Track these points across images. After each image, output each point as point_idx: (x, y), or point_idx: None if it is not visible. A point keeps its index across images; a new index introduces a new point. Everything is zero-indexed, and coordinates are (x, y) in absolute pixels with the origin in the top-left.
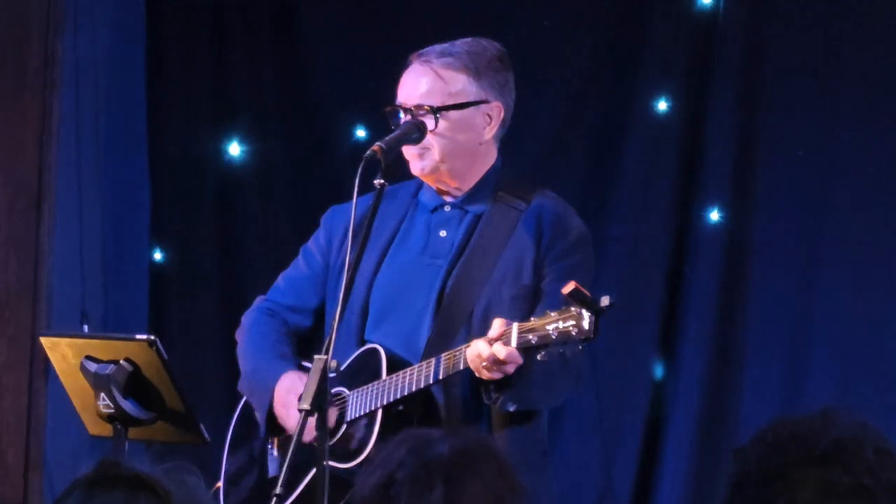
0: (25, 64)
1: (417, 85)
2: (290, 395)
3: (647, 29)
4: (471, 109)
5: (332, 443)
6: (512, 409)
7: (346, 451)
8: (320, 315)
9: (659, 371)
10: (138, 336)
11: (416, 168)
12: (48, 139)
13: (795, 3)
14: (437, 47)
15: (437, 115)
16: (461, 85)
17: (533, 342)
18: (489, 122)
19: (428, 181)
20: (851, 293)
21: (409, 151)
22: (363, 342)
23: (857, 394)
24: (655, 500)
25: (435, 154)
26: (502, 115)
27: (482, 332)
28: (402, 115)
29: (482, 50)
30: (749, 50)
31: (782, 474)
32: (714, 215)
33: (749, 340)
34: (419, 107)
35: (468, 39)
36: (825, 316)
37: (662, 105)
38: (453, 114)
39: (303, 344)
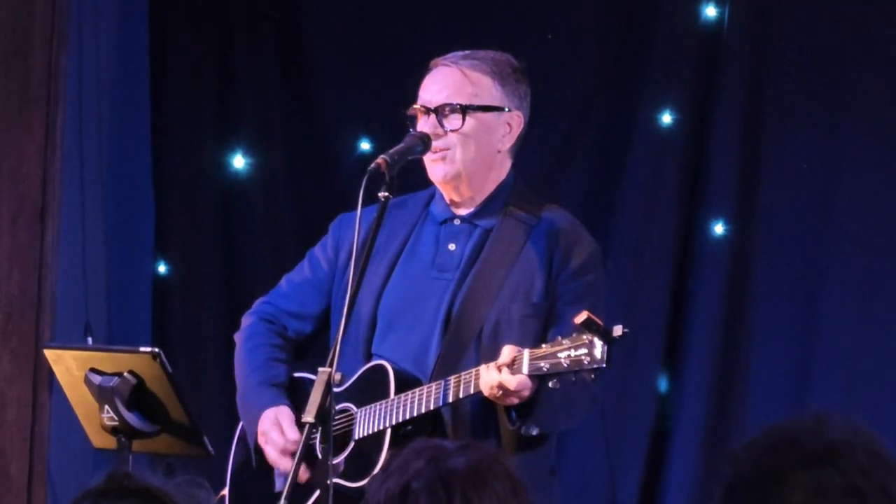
0: (29, 77)
1: (444, 84)
2: (262, 438)
3: (651, 42)
4: (494, 114)
5: (340, 460)
6: (535, 432)
7: (355, 469)
8: (322, 321)
9: (663, 384)
10: (142, 348)
11: (437, 174)
12: (52, 152)
13: (800, 17)
14: (460, 52)
15: (466, 114)
16: (487, 88)
17: (545, 369)
18: (509, 130)
19: (445, 189)
20: (856, 306)
21: (429, 156)
22: (370, 355)
23: (862, 405)
24: None
25: (457, 156)
26: (522, 126)
27: (491, 349)
28: (419, 119)
29: (505, 59)
30: (753, 63)
31: (774, 477)
32: (718, 228)
33: (754, 353)
34: (444, 106)
35: (487, 50)
36: (830, 328)
37: (667, 118)
38: (479, 115)
39: (303, 350)
